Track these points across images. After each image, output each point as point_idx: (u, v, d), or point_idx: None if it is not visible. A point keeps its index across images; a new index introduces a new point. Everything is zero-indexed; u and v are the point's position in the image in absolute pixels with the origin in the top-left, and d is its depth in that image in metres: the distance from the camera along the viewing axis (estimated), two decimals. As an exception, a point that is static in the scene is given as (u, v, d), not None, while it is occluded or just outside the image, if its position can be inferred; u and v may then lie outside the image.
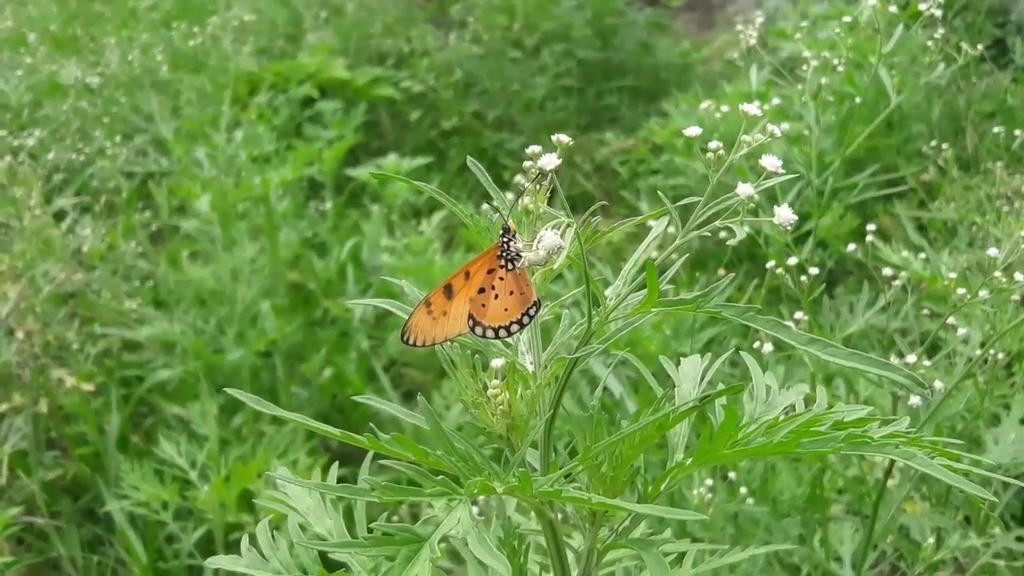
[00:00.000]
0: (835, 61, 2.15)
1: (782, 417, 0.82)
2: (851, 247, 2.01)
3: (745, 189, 0.76)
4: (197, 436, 2.72)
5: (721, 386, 0.83)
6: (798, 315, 1.77)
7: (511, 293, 0.91)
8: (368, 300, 1.09)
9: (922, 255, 2.18)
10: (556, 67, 4.99)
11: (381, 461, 0.83)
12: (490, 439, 0.93)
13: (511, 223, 0.91)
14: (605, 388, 2.54)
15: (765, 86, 3.24)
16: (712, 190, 0.79)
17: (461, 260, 3.39)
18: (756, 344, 1.69)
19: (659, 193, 0.82)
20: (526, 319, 0.92)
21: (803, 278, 1.84)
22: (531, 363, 0.95)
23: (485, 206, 1.01)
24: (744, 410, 0.88)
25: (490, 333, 0.93)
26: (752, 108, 0.79)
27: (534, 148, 0.88)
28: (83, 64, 4.26)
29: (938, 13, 1.94)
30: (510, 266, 0.91)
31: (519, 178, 1.08)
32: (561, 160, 0.83)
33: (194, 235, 3.56)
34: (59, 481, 2.86)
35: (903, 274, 1.83)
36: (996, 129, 2.99)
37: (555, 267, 0.83)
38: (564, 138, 0.88)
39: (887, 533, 1.88)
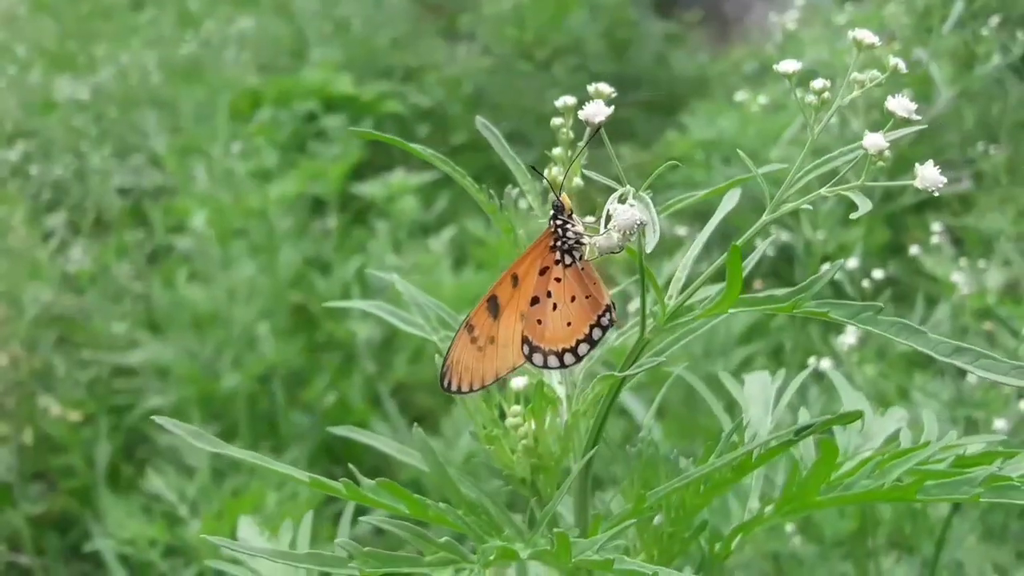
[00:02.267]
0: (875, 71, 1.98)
1: (880, 452, 0.63)
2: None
3: (875, 140, 0.58)
4: (189, 468, 2.56)
5: (805, 414, 0.63)
6: (850, 331, 1.58)
7: (573, 299, 0.69)
8: (349, 302, 0.90)
9: (956, 273, 2.01)
10: (568, 81, 4.84)
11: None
12: (509, 482, 0.71)
13: (564, 198, 0.70)
14: (625, 413, 2.36)
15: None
16: (810, 147, 0.61)
17: (472, 279, 3.22)
18: (812, 360, 1.50)
19: (739, 152, 0.64)
20: (598, 333, 0.69)
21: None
22: (561, 383, 0.73)
23: (509, 187, 0.80)
24: (836, 442, 0.68)
25: (553, 360, 0.70)
26: (867, 34, 0.61)
27: (567, 99, 0.69)
28: (78, 80, 4.12)
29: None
30: (569, 260, 0.69)
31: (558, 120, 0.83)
32: (612, 110, 0.64)
33: (190, 254, 3.40)
34: (45, 516, 2.72)
35: (963, 288, 1.65)
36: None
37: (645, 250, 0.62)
38: (605, 87, 0.70)
39: (942, 570, 1.70)
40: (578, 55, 5.06)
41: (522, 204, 0.75)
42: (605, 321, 0.69)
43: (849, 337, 1.57)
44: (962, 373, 1.62)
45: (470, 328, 0.72)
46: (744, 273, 0.59)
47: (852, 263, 1.62)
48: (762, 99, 1.96)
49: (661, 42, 5.48)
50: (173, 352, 2.92)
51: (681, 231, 2.48)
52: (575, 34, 5.18)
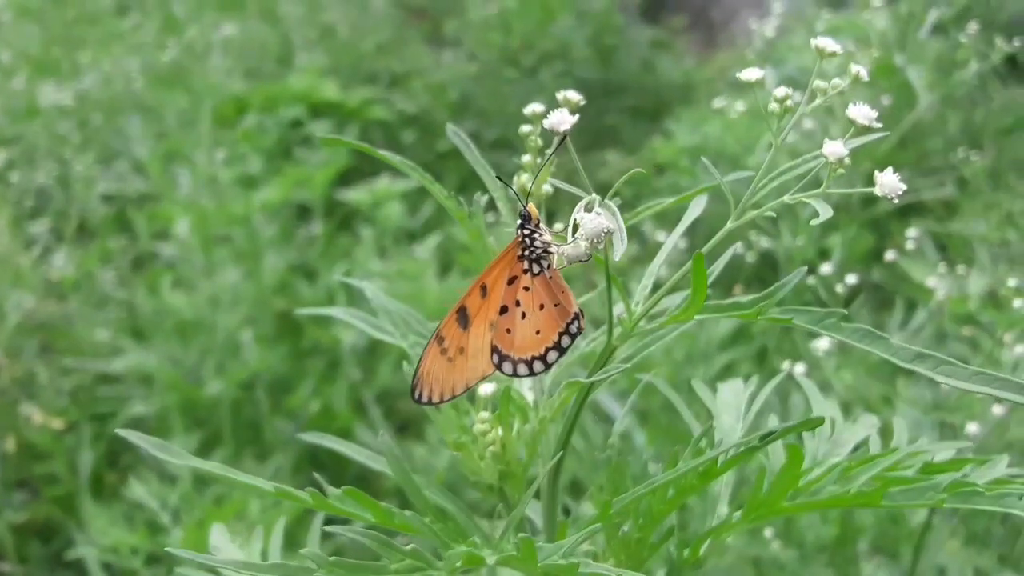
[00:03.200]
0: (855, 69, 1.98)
1: (847, 459, 0.63)
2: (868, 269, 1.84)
3: (834, 148, 0.58)
4: (172, 476, 2.54)
5: (775, 420, 0.63)
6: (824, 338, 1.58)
7: (541, 307, 0.69)
8: (323, 310, 0.89)
9: (932, 278, 2.01)
10: (554, 87, 4.83)
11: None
12: (478, 489, 0.71)
13: (531, 207, 0.70)
14: (607, 419, 2.35)
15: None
16: (773, 156, 0.61)
17: (458, 285, 3.22)
18: (785, 365, 1.50)
19: (704, 160, 0.64)
20: (567, 340, 0.69)
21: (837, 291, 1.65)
22: (530, 389, 0.73)
23: (478, 195, 0.80)
24: (804, 449, 0.68)
25: (522, 368, 0.70)
26: (829, 42, 0.61)
27: (535, 107, 0.69)
28: (62, 86, 4.11)
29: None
30: (537, 269, 0.69)
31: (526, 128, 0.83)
32: (578, 118, 0.64)
33: (174, 261, 3.39)
34: (28, 524, 2.70)
35: (940, 293, 1.65)
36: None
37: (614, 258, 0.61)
38: (574, 95, 0.70)
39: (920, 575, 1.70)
40: (564, 61, 5.05)
41: (493, 212, 0.75)
42: (574, 329, 0.69)
43: (823, 342, 1.57)
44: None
45: (440, 339, 0.72)
46: (711, 279, 0.59)
47: (826, 268, 1.62)
48: (739, 106, 1.96)
49: (647, 48, 5.48)
50: (157, 359, 2.91)
51: (661, 237, 2.48)
52: (561, 40, 5.17)
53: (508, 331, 0.70)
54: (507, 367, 0.70)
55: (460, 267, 3.49)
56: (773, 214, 0.61)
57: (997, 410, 1.34)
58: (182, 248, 3.30)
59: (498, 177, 0.74)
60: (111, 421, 2.95)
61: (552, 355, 0.69)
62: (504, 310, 0.71)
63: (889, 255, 1.68)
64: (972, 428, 1.32)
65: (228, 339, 2.99)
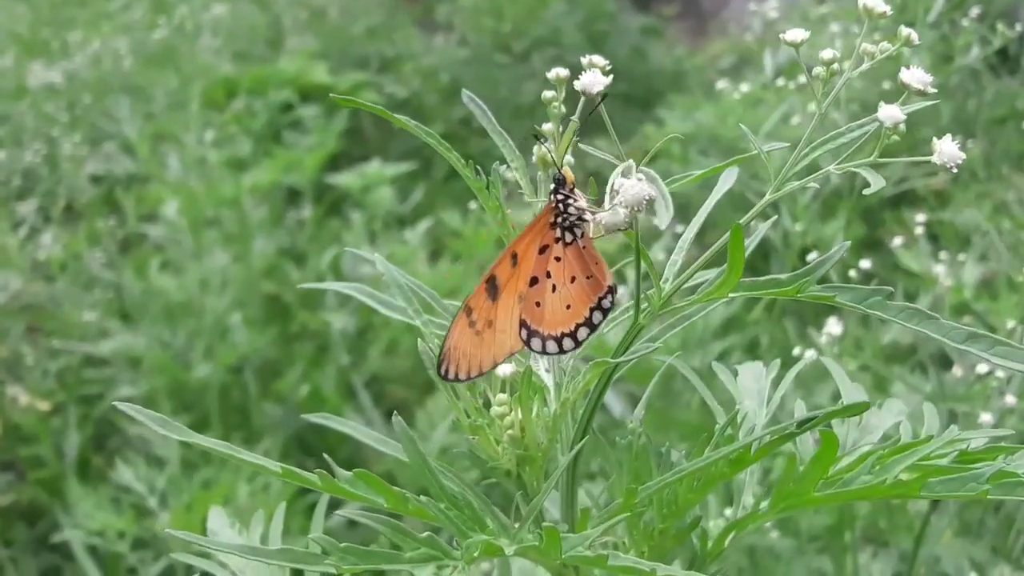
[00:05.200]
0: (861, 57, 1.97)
1: (880, 447, 0.61)
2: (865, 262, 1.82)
3: (891, 112, 0.56)
4: (159, 458, 2.52)
5: (801, 406, 0.61)
6: (832, 323, 1.56)
7: (573, 280, 0.65)
8: (330, 285, 0.87)
9: (938, 265, 2.00)
10: (545, 72, 4.81)
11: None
12: (493, 475, 0.68)
13: (566, 171, 0.67)
14: (603, 407, 2.34)
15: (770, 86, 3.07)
16: (819, 121, 0.59)
17: (448, 271, 3.19)
18: (797, 351, 1.49)
19: (742, 126, 0.62)
20: (598, 316, 0.65)
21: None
22: (549, 371, 0.70)
23: (496, 164, 0.76)
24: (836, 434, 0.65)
25: (551, 346, 0.66)
26: (879, 3, 0.59)
27: (559, 71, 0.67)
28: (50, 66, 4.07)
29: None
30: (570, 237, 0.65)
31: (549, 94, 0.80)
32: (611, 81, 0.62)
33: (162, 243, 3.36)
34: (14, 507, 2.68)
35: (944, 281, 1.64)
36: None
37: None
38: (600, 59, 0.68)
39: (919, 565, 1.69)
40: (556, 47, 5.03)
41: (540, 152, 0.72)
42: (607, 304, 0.66)
43: (834, 328, 1.55)
44: (944, 366, 1.61)
45: (468, 311, 0.68)
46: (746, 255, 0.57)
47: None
48: (744, 87, 1.94)
49: (638, 35, 5.46)
50: (144, 342, 2.89)
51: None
52: (553, 26, 5.15)
53: (537, 304, 0.67)
54: (536, 343, 0.67)
55: (450, 252, 3.47)
56: (816, 185, 0.59)
57: (1010, 399, 1.32)
58: (171, 230, 3.27)
59: (534, 135, 0.71)
60: (98, 403, 2.92)
61: (583, 332, 0.66)
62: (534, 281, 0.67)
63: (896, 242, 1.67)
64: (986, 417, 1.30)
65: (216, 322, 2.97)
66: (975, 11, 2.00)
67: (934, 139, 0.58)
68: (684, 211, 0.77)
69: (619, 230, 0.61)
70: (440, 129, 4.63)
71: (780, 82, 2.22)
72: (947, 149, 0.60)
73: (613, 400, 2.21)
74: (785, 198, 1.81)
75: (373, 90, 4.73)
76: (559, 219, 0.66)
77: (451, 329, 0.67)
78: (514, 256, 0.68)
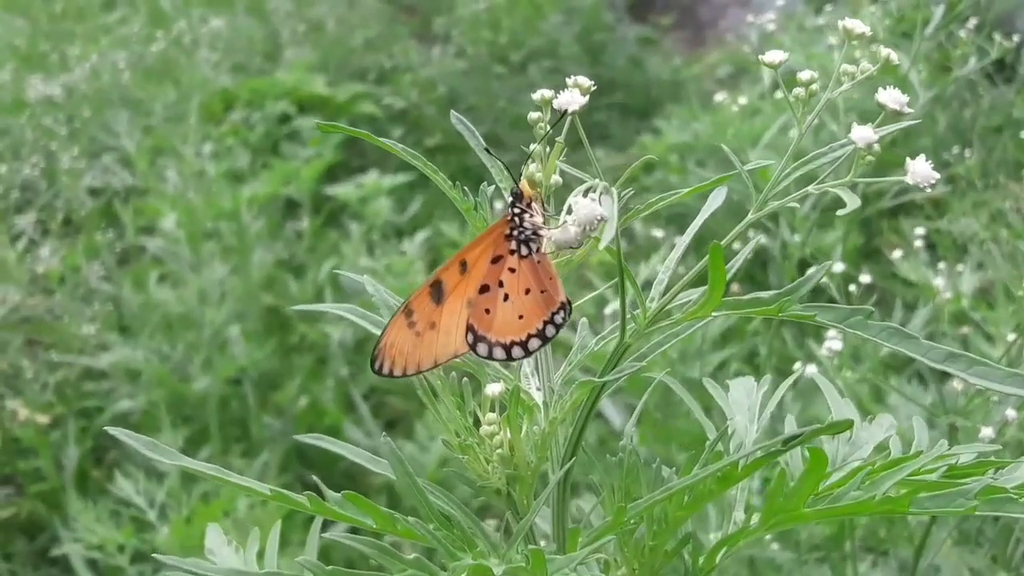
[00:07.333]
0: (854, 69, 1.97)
1: (869, 462, 0.61)
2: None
3: (863, 133, 0.56)
4: (159, 472, 2.52)
5: (791, 421, 0.62)
6: (832, 335, 1.56)
7: (527, 292, 0.67)
8: (320, 306, 0.87)
9: (937, 275, 2.00)
10: (543, 83, 4.81)
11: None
12: (483, 493, 0.69)
13: (524, 185, 0.68)
14: (603, 419, 2.34)
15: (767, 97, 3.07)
16: (797, 145, 0.59)
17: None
18: (796, 366, 1.49)
19: (724, 147, 0.63)
20: (551, 330, 0.66)
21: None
22: (538, 389, 0.71)
23: (484, 184, 0.78)
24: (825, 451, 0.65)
25: (499, 352, 0.68)
26: (857, 24, 0.60)
27: (544, 92, 0.67)
28: (49, 79, 4.08)
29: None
30: (526, 251, 0.67)
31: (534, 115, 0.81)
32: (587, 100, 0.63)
33: (161, 256, 3.36)
34: (13, 520, 2.67)
35: (943, 292, 1.64)
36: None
37: (596, 247, 0.60)
38: (585, 80, 0.68)
39: (918, 575, 1.70)
40: (553, 58, 5.04)
41: (499, 203, 0.73)
42: (559, 319, 0.67)
43: (834, 343, 1.55)
44: (945, 379, 1.61)
45: (408, 312, 0.70)
46: (727, 276, 0.58)
47: (838, 267, 1.60)
48: (742, 99, 1.94)
49: (636, 46, 5.47)
50: (143, 354, 2.89)
51: (658, 233, 2.47)
52: (550, 37, 5.16)
53: (487, 311, 0.68)
54: (482, 348, 0.69)
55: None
56: (796, 205, 0.60)
57: (1011, 413, 1.32)
58: (169, 242, 3.28)
59: (506, 166, 0.72)
60: (97, 416, 2.92)
61: (534, 343, 0.68)
62: (485, 289, 0.69)
63: (895, 253, 1.67)
64: (987, 431, 1.30)
65: (215, 334, 2.97)
66: (972, 22, 2.00)
67: (907, 159, 0.58)
68: (682, 220, 0.77)
69: (571, 247, 0.62)
70: (438, 139, 4.64)
71: (779, 94, 2.23)
72: (919, 169, 0.60)
73: (613, 412, 2.22)
74: (784, 209, 1.82)
75: (371, 101, 4.74)
76: (515, 232, 0.67)
77: (387, 328, 0.69)
78: (463, 263, 0.69)
